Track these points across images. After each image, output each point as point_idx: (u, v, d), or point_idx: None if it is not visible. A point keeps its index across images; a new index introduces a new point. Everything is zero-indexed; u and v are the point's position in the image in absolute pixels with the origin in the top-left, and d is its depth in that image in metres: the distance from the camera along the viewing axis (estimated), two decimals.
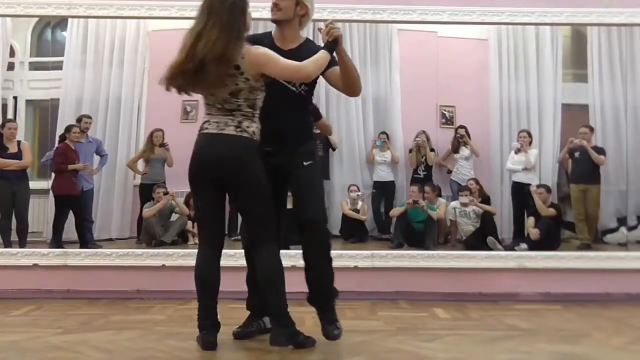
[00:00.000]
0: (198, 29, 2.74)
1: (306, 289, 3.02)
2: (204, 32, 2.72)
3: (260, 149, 2.90)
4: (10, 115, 5.41)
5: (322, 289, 3.01)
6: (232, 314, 3.25)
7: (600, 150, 5.25)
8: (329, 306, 3.01)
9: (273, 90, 2.91)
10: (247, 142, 2.82)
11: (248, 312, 3.20)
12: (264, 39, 2.97)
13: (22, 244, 4.80)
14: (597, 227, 5.34)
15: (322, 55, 2.81)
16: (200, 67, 2.70)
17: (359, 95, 3.12)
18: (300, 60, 2.82)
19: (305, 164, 2.99)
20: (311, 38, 3.29)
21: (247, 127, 2.83)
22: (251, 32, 2.96)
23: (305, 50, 2.93)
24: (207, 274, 2.88)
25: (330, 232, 3.12)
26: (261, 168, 2.86)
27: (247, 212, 2.93)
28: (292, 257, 3.45)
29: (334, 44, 2.83)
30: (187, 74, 2.74)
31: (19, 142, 5.03)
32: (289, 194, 3.15)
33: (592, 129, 5.36)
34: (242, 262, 3.82)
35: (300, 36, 3.04)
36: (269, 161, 2.93)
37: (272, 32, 3.05)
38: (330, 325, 2.96)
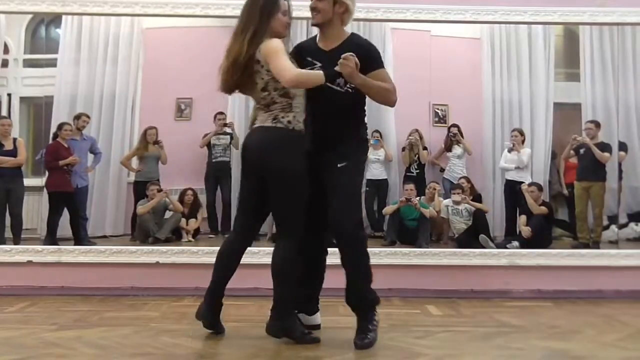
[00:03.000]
0: (233, 32, 2.91)
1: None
2: (234, 36, 2.90)
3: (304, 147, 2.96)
4: (4, 113, 5.40)
5: (353, 293, 3.01)
6: (227, 311, 3.26)
7: (606, 147, 5.15)
8: (362, 312, 2.99)
9: (316, 87, 2.88)
10: (278, 132, 2.89)
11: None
12: (309, 44, 3.03)
13: (17, 240, 4.80)
14: (600, 225, 5.22)
15: (317, 74, 2.84)
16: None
17: (392, 106, 3.09)
18: (335, 61, 2.81)
19: (339, 165, 2.93)
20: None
21: (282, 117, 2.89)
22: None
23: (345, 48, 2.89)
24: None
25: (364, 237, 3.01)
26: (294, 159, 2.88)
27: (272, 204, 2.98)
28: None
29: (337, 74, 2.81)
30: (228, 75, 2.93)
31: (14, 139, 5.02)
32: None
33: (598, 125, 5.26)
34: None
35: (343, 34, 2.99)
36: (311, 160, 2.96)
37: (317, 35, 3.05)
38: (359, 334, 2.94)
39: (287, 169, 2.87)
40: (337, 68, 2.79)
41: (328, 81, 2.84)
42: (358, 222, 2.99)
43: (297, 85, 2.84)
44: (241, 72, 2.88)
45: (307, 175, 2.92)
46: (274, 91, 2.90)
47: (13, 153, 4.96)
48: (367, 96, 2.99)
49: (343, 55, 2.78)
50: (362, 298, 2.99)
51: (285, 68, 2.77)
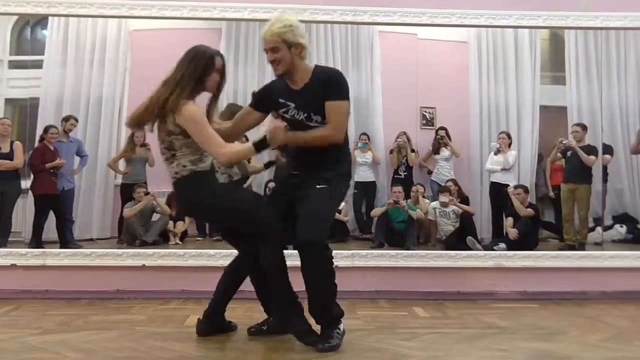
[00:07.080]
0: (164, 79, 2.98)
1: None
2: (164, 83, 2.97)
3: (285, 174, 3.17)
4: None
5: (317, 309, 2.98)
6: None
7: (592, 150, 5.18)
8: (326, 323, 2.98)
9: (290, 123, 2.98)
10: (190, 182, 2.97)
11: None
12: (279, 85, 3.02)
13: (3, 243, 4.74)
14: (586, 227, 5.24)
15: (247, 150, 2.91)
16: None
17: (335, 143, 2.99)
18: (307, 99, 2.91)
19: (318, 187, 2.95)
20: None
21: (185, 165, 2.98)
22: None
23: (312, 88, 2.94)
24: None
25: (330, 256, 2.93)
26: (213, 194, 2.96)
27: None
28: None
29: (264, 143, 2.88)
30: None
31: (11, 142, 4.99)
32: None
33: (584, 127, 5.30)
34: (223, 262, 3.85)
35: (308, 69, 2.99)
36: (290, 180, 3.10)
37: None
38: (323, 339, 2.93)
39: (216, 204, 2.97)
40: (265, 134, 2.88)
41: (258, 151, 2.90)
42: (325, 243, 2.92)
43: (230, 163, 3.07)
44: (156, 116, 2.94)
45: (234, 192, 3.14)
46: (177, 141, 2.94)
47: (9, 156, 4.94)
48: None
49: (270, 129, 2.88)
50: (326, 313, 2.99)
51: (216, 146, 2.81)
